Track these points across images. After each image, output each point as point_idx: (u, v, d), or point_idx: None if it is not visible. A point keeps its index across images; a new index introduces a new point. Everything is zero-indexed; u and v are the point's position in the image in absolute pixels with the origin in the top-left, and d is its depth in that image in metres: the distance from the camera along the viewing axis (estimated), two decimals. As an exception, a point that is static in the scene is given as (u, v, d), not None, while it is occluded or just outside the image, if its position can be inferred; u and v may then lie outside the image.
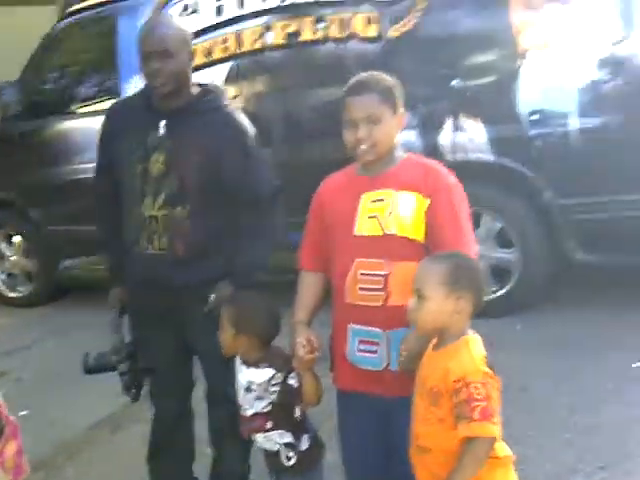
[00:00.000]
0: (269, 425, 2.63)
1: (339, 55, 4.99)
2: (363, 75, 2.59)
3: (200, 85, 2.99)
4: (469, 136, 4.60)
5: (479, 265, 2.33)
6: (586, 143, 4.38)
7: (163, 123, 2.88)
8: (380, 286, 2.45)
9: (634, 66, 4.26)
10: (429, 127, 4.72)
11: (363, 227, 2.50)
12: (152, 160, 2.88)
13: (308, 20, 5.06)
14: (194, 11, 5.50)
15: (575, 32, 4.37)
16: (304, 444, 2.67)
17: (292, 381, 2.57)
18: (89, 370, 3.04)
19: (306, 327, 2.58)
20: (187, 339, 3.03)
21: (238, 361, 2.71)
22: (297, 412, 2.65)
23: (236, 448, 3.08)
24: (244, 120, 2.94)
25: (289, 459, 2.66)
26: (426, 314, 2.18)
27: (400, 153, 2.58)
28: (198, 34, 5.44)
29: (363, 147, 2.49)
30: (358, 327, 2.50)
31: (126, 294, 3.11)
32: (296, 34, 5.10)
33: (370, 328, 2.48)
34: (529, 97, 4.47)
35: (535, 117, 4.45)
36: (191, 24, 5.43)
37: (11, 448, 2.75)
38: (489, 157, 4.53)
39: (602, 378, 3.89)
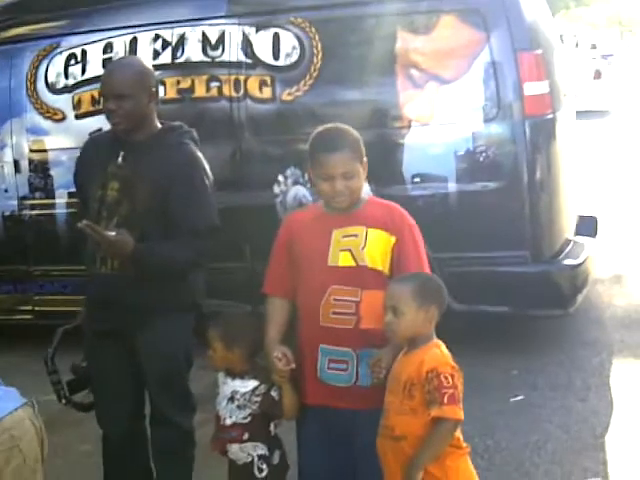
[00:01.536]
0: (246, 436, 2.82)
1: (232, 113, 5.30)
2: (331, 130, 2.87)
3: (164, 123, 3.22)
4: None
5: (439, 280, 2.70)
6: (459, 204, 4.94)
7: (122, 154, 3.10)
8: (352, 311, 2.76)
9: (502, 140, 4.88)
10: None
11: (336, 259, 2.79)
12: (109, 187, 3.10)
13: (202, 78, 5.34)
14: (81, 61, 5.62)
15: (453, 108, 4.95)
16: (275, 459, 2.88)
17: (274, 393, 2.80)
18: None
19: (279, 344, 2.82)
20: (136, 361, 3.17)
21: (221, 375, 2.90)
22: (272, 427, 2.88)
23: (177, 470, 3.23)
24: (198, 157, 3.16)
25: (261, 471, 2.84)
26: (403, 325, 2.55)
27: (362, 194, 2.92)
28: (85, 83, 5.61)
29: (340, 198, 2.79)
30: (329, 347, 2.78)
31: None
32: (189, 90, 5.37)
33: (341, 348, 2.77)
34: (412, 162, 4.98)
35: (417, 179, 4.96)
36: (78, 73, 5.63)
37: None
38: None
39: (486, 411, 4.33)
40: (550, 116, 4.93)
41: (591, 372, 4.83)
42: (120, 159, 3.10)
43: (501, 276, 4.92)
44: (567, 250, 5.19)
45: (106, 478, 3.36)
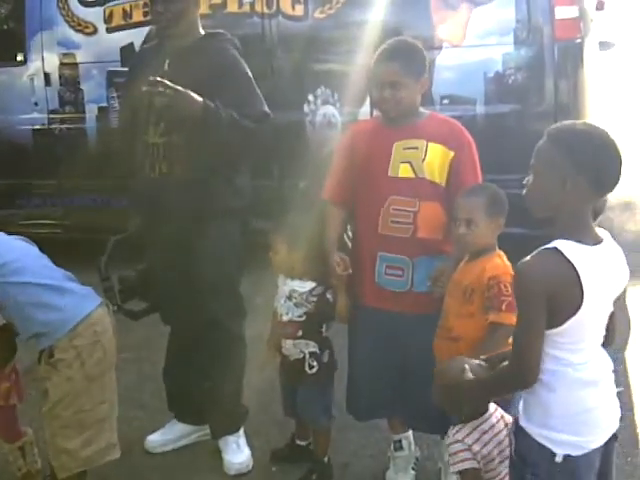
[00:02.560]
0: (300, 333, 3.05)
1: (264, 30, 5.36)
2: (392, 42, 3.01)
3: (206, 31, 3.34)
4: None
5: (503, 193, 2.85)
6: (487, 127, 5.04)
7: (167, 61, 3.22)
8: (410, 220, 2.92)
9: (531, 63, 4.98)
10: (347, 102, 5.21)
11: (397, 170, 2.93)
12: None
13: (234, -6, 5.39)
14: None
15: (484, 30, 5.03)
16: (325, 358, 3.10)
17: (329, 295, 3.02)
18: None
19: (337, 250, 3.00)
20: (189, 264, 3.28)
21: (281, 277, 3.10)
22: (324, 329, 3.08)
23: (229, 373, 3.39)
24: (240, 60, 3.28)
25: (311, 367, 3.07)
26: (476, 236, 2.70)
27: (422, 110, 3.03)
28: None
29: (385, 106, 2.93)
30: (387, 254, 2.95)
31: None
32: (221, 6, 5.41)
33: (398, 256, 2.94)
34: (441, 83, 5.06)
35: (446, 101, 5.07)
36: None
37: None
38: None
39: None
40: (579, 41, 5.02)
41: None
42: (166, 65, 3.22)
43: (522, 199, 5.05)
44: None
45: (166, 372, 3.57)
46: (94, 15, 5.68)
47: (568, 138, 2.10)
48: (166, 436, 3.56)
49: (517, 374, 2.08)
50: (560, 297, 2.01)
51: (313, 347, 3.06)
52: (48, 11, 5.78)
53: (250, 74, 3.26)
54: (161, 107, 3.14)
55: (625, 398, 3.75)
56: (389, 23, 5.08)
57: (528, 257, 2.07)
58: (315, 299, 3.03)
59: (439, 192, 2.92)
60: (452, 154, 2.93)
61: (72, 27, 5.74)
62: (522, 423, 2.13)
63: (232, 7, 5.39)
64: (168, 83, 2.98)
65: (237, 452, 3.42)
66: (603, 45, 10.68)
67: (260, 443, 3.56)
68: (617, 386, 2.22)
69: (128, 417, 3.81)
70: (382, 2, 5.12)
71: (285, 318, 3.06)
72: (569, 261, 2.01)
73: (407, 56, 2.95)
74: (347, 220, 3.12)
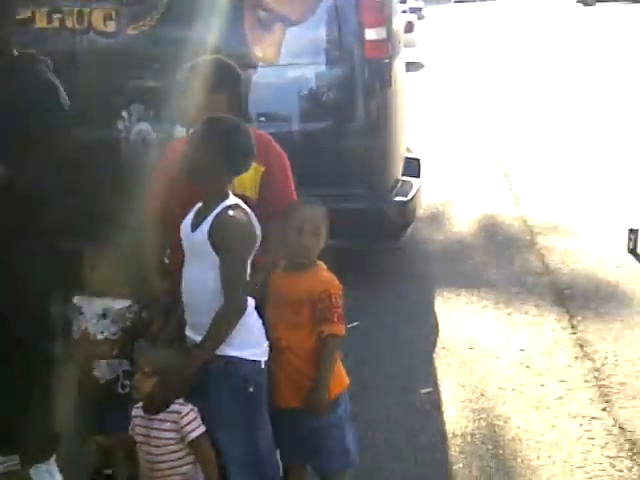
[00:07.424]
0: (115, 352, 3.01)
1: (74, 46, 5.25)
2: (197, 60, 3.12)
3: (20, 52, 3.25)
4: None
5: None
6: (301, 144, 5.15)
7: None
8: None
9: (343, 82, 5.17)
10: (161, 119, 5.18)
11: None
12: None
13: (43, 10, 5.24)
14: None
15: (297, 49, 5.16)
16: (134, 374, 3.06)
17: (144, 314, 3.02)
18: None
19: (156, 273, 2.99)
20: None
21: (82, 299, 3.07)
22: (135, 346, 3.05)
23: (37, 397, 3.27)
24: (54, 83, 3.24)
25: (124, 387, 3.03)
26: (319, 246, 2.78)
27: None
28: None
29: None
30: None
31: None
32: (30, 20, 5.24)
33: None
34: (257, 101, 5.12)
35: (262, 119, 5.14)
36: None
37: None
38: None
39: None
40: (387, 61, 5.24)
41: (415, 300, 5.36)
42: None
43: (338, 212, 5.19)
44: (397, 188, 5.59)
45: None
46: None
47: (212, 128, 2.67)
48: None
49: (239, 306, 2.57)
50: (253, 236, 2.64)
51: (127, 365, 3.03)
52: None
53: (63, 100, 3.23)
54: None
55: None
56: (202, 41, 5.10)
57: (227, 213, 2.60)
58: (132, 316, 3.01)
59: (250, 206, 2.96)
60: (263, 169, 2.99)
61: None
62: (233, 354, 2.59)
63: (41, 22, 5.24)
64: None
65: None
66: (414, 66, 11.09)
67: (74, 471, 3.41)
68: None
69: None
70: (196, 20, 5.14)
71: (100, 337, 3.00)
72: (246, 210, 2.66)
73: (204, 69, 3.05)
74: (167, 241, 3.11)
